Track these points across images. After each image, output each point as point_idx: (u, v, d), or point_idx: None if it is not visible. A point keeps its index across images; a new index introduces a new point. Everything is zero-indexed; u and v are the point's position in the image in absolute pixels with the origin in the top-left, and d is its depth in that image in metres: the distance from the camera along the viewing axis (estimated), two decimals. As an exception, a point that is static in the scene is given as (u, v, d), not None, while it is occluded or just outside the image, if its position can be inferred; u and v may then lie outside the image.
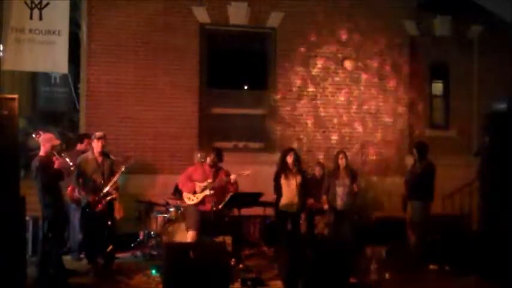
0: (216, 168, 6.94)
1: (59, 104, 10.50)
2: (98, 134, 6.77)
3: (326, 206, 7.54)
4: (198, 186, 6.81)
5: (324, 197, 7.57)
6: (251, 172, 6.83)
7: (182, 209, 7.45)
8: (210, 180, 6.80)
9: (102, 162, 6.66)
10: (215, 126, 9.43)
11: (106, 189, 6.52)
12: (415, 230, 7.33)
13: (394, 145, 9.76)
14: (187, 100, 9.07)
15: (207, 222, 6.76)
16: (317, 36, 9.54)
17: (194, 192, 6.83)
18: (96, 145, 6.68)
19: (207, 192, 6.76)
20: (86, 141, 7.57)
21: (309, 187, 7.76)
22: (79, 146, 7.56)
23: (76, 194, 6.98)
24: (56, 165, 5.95)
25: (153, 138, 8.91)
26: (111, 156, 6.99)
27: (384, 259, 7.15)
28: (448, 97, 10.33)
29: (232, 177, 6.79)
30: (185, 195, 6.92)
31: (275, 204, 7.27)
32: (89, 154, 6.77)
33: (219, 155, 6.99)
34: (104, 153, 6.77)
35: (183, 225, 7.22)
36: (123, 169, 6.71)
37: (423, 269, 7.03)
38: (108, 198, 6.53)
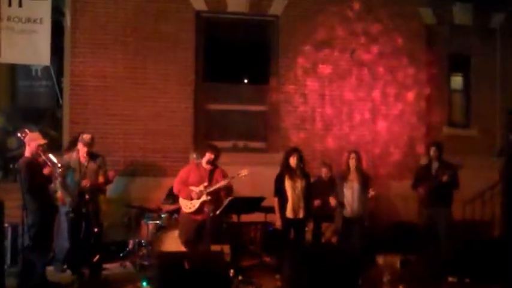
0: (213, 167, 6.88)
1: (41, 100, 10.44)
2: (86, 138, 6.86)
3: (334, 202, 7.46)
4: (194, 192, 6.78)
5: (332, 196, 7.50)
6: (249, 172, 6.75)
7: (176, 216, 7.44)
8: (206, 184, 6.77)
9: (87, 164, 6.78)
10: (212, 123, 9.47)
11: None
12: (438, 239, 7.33)
13: (409, 145, 9.75)
14: (181, 95, 9.09)
15: (204, 230, 6.75)
16: (324, 24, 9.53)
17: (191, 199, 6.80)
18: (82, 149, 6.86)
19: (204, 197, 6.73)
20: None
21: (315, 190, 7.76)
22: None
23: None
24: (46, 171, 6.02)
25: (143, 137, 8.93)
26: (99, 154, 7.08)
27: (398, 270, 7.17)
28: (468, 92, 10.37)
29: (223, 183, 6.70)
30: (182, 201, 6.89)
31: (278, 209, 7.21)
32: (73, 155, 6.88)
33: (216, 152, 6.89)
34: (91, 154, 6.87)
35: (176, 233, 7.19)
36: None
37: (441, 281, 6.98)
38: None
